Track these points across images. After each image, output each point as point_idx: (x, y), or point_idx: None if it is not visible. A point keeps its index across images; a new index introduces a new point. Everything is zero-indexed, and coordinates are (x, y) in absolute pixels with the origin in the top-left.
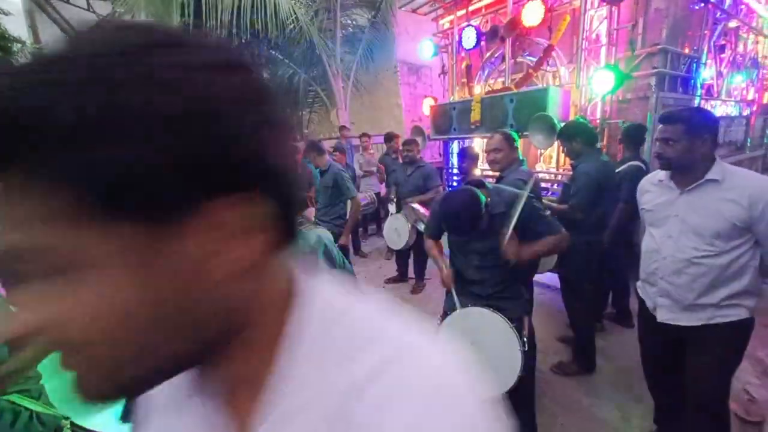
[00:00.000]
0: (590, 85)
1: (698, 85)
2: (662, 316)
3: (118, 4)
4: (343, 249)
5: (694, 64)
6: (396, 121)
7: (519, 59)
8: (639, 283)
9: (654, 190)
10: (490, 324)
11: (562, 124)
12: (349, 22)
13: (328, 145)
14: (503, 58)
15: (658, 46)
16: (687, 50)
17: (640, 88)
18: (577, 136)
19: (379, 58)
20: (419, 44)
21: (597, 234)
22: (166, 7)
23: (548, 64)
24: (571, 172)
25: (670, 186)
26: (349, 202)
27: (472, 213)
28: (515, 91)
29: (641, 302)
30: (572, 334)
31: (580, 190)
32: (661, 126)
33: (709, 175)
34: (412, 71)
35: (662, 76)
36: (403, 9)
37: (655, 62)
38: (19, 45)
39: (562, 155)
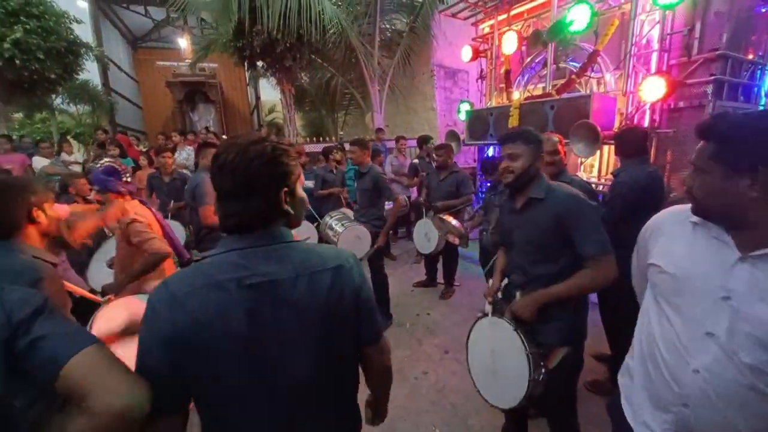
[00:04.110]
0: (640, 93)
1: (762, 93)
2: None
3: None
4: (380, 250)
5: (758, 71)
6: (430, 125)
7: (561, 65)
8: (622, 391)
9: (681, 237)
10: (509, 341)
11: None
12: (388, 27)
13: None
14: (545, 64)
15: (717, 52)
16: (750, 56)
17: (694, 96)
18: (621, 144)
19: (416, 62)
20: (458, 48)
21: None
22: (223, 15)
23: (593, 70)
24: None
25: (721, 241)
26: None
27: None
28: (556, 97)
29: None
30: (609, 351)
31: (614, 200)
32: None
33: None
34: (449, 75)
35: (721, 84)
36: (442, 14)
37: (713, 69)
38: (85, 48)
39: (604, 164)
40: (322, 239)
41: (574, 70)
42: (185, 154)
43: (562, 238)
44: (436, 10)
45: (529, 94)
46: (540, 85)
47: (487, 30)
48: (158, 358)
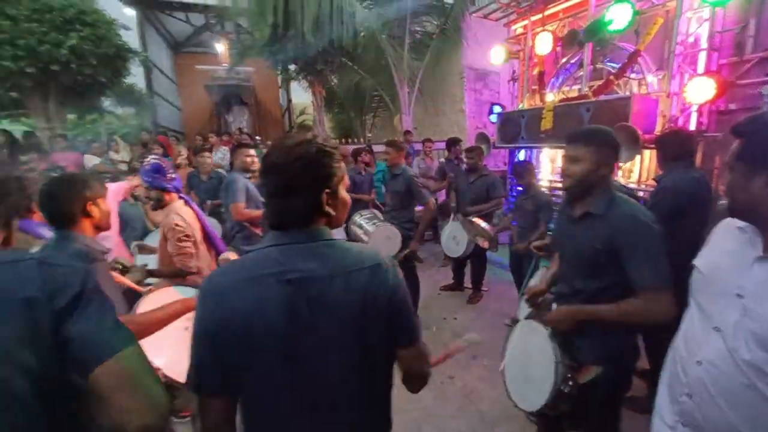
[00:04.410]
0: (685, 94)
1: None
2: None
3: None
4: (413, 254)
5: None
6: (459, 127)
7: (599, 65)
8: (661, 389)
9: (723, 239)
10: (542, 347)
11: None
12: (418, 29)
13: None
14: (580, 65)
15: None
16: None
17: (747, 97)
18: (662, 148)
19: (446, 64)
20: (489, 50)
21: (681, 257)
22: (260, 20)
23: (633, 71)
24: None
25: (750, 241)
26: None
27: None
28: (593, 99)
29: None
30: (648, 366)
31: (655, 207)
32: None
33: None
34: (479, 77)
35: None
36: (473, 15)
37: None
38: (132, 54)
39: (645, 168)
40: (350, 238)
41: (613, 71)
42: (221, 154)
43: (614, 259)
44: (467, 12)
45: (564, 96)
46: (575, 87)
47: (520, 31)
48: (205, 343)
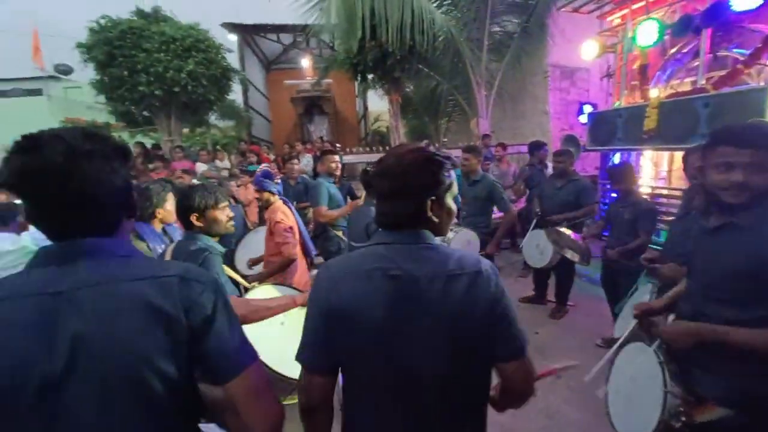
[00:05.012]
0: None
1: None
2: None
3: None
4: (489, 258)
5: None
6: (542, 129)
7: (721, 53)
8: None
9: None
10: (651, 373)
11: None
12: (498, 29)
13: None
14: (695, 54)
15: None
16: None
17: None
18: None
19: (527, 63)
20: (578, 45)
21: None
22: (350, 33)
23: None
24: None
25: None
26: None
27: None
28: (712, 92)
29: None
30: None
31: None
32: None
33: None
34: (565, 75)
35: None
36: (561, 10)
37: None
38: (234, 74)
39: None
40: None
41: (741, 59)
42: (305, 161)
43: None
44: (553, 7)
45: (673, 91)
46: (687, 80)
47: (617, 21)
48: (315, 323)
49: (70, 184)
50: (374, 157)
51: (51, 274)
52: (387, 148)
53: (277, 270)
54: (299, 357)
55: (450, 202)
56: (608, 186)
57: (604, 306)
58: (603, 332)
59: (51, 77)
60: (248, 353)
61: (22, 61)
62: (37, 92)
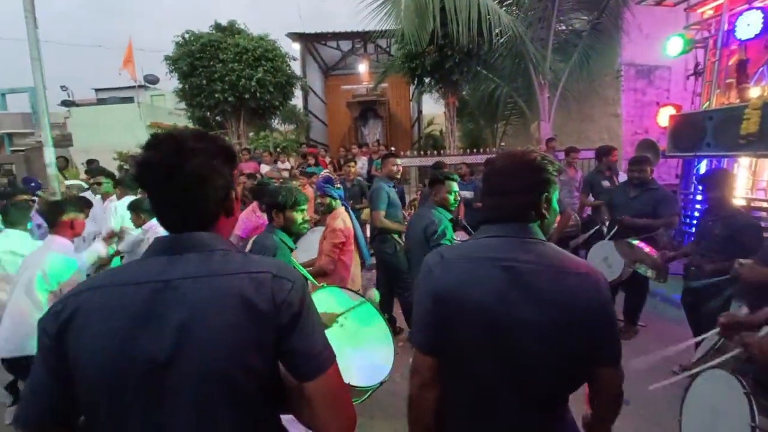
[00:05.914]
0: None
1: None
2: None
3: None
4: None
5: None
6: (611, 133)
7: None
8: None
9: None
10: (735, 404)
11: None
12: (564, 28)
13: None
14: None
15: None
16: None
17: None
18: None
19: (596, 63)
20: (659, 41)
21: None
22: (421, 33)
23: None
24: None
25: None
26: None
27: None
28: None
29: None
30: None
31: None
32: None
33: None
34: (642, 74)
35: None
36: (642, 4)
37: None
38: (296, 80)
39: None
40: None
41: None
42: (360, 164)
43: None
44: (631, 1)
45: None
46: None
47: (709, 14)
48: (427, 305)
49: (176, 177)
50: (427, 160)
51: (161, 263)
52: (441, 152)
53: (314, 275)
54: (412, 339)
55: (556, 203)
56: (691, 197)
57: (681, 330)
58: (678, 358)
59: (141, 86)
60: (329, 355)
61: (116, 72)
62: (129, 100)
